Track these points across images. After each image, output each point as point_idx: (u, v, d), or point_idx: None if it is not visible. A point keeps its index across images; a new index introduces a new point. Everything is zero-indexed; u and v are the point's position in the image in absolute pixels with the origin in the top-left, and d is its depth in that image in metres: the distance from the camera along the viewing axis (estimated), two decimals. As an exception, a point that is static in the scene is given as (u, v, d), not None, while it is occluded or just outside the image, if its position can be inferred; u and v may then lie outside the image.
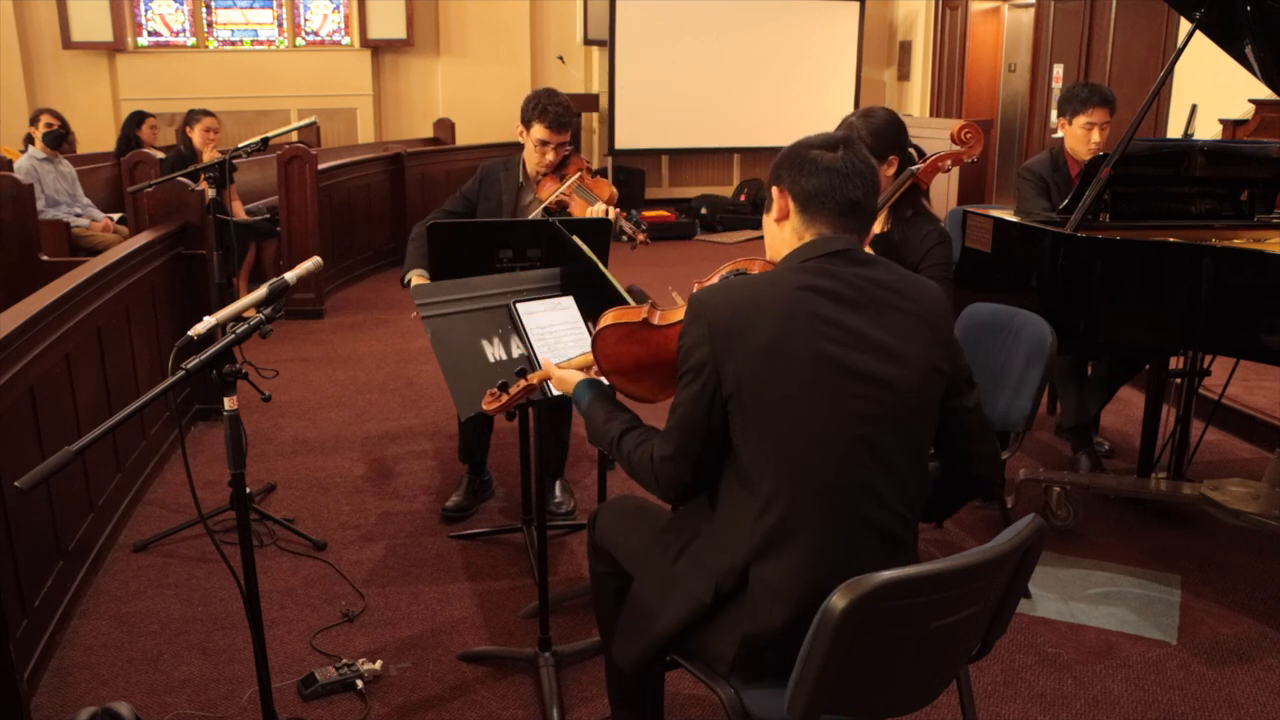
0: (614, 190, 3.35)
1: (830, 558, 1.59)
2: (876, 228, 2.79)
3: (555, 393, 2.10)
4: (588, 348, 2.19)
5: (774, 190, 1.73)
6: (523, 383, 2.05)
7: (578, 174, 3.32)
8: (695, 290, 1.82)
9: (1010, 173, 9.33)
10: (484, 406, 2.08)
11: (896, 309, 1.64)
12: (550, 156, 3.33)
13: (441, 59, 9.97)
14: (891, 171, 2.75)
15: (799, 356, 1.56)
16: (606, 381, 1.94)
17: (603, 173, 9.64)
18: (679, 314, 1.81)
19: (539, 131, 3.29)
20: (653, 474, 1.69)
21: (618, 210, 3.27)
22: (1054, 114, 8.35)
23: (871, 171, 1.70)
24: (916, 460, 1.67)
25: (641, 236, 3.34)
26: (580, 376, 1.96)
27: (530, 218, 3.32)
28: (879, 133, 2.71)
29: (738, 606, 1.64)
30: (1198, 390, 3.52)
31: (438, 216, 3.40)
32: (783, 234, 1.73)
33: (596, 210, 3.21)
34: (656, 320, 1.83)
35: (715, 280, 1.83)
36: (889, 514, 1.63)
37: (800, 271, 1.63)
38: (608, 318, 1.87)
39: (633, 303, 2.02)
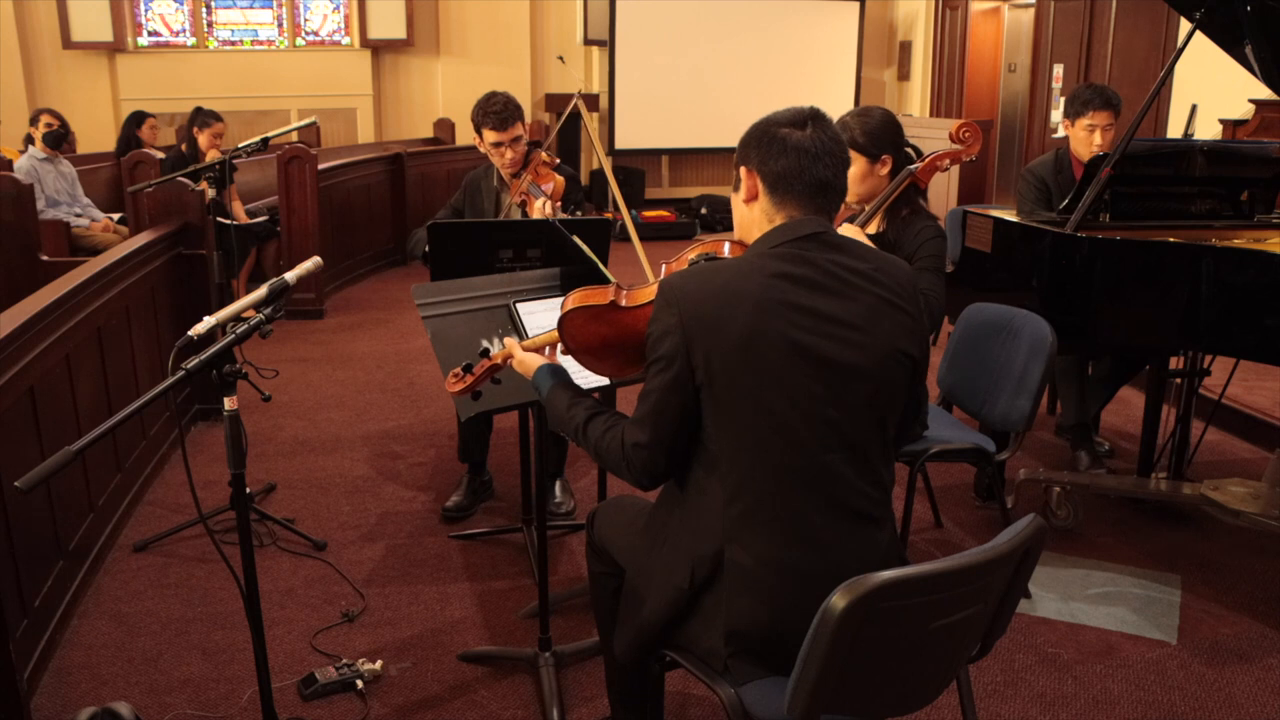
0: (560, 180, 3.33)
1: (802, 537, 1.61)
2: (872, 228, 2.79)
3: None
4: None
5: (742, 170, 1.70)
6: (486, 362, 2.04)
7: (530, 170, 3.33)
8: (664, 274, 1.82)
9: (1010, 173, 9.33)
10: (448, 389, 2.06)
11: (868, 293, 1.64)
12: (510, 155, 3.35)
13: (441, 59, 9.97)
14: (885, 171, 2.75)
15: (772, 347, 1.57)
16: (571, 359, 1.94)
17: (602, 174, 9.64)
18: (646, 295, 1.80)
19: (489, 135, 3.34)
20: (624, 459, 1.68)
21: (556, 204, 3.25)
22: (1055, 114, 8.35)
23: (840, 147, 1.67)
24: (883, 440, 1.68)
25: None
26: (540, 361, 1.94)
27: (502, 219, 3.34)
28: (872, 132, 2.72)
29: (716, 592, 1.64)
30: (1198, 390, 3.52)
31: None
32: (752, 214, 1.71)
33: (539, 207, 3.20)
34: (624, 302, 1.82)
35: (685, 263, 1.81)
36: (857, 493, 1.64)
37: (772, 258, 1.62)
38: (573, 300, 1.85)
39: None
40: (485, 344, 2.09)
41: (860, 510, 1.65)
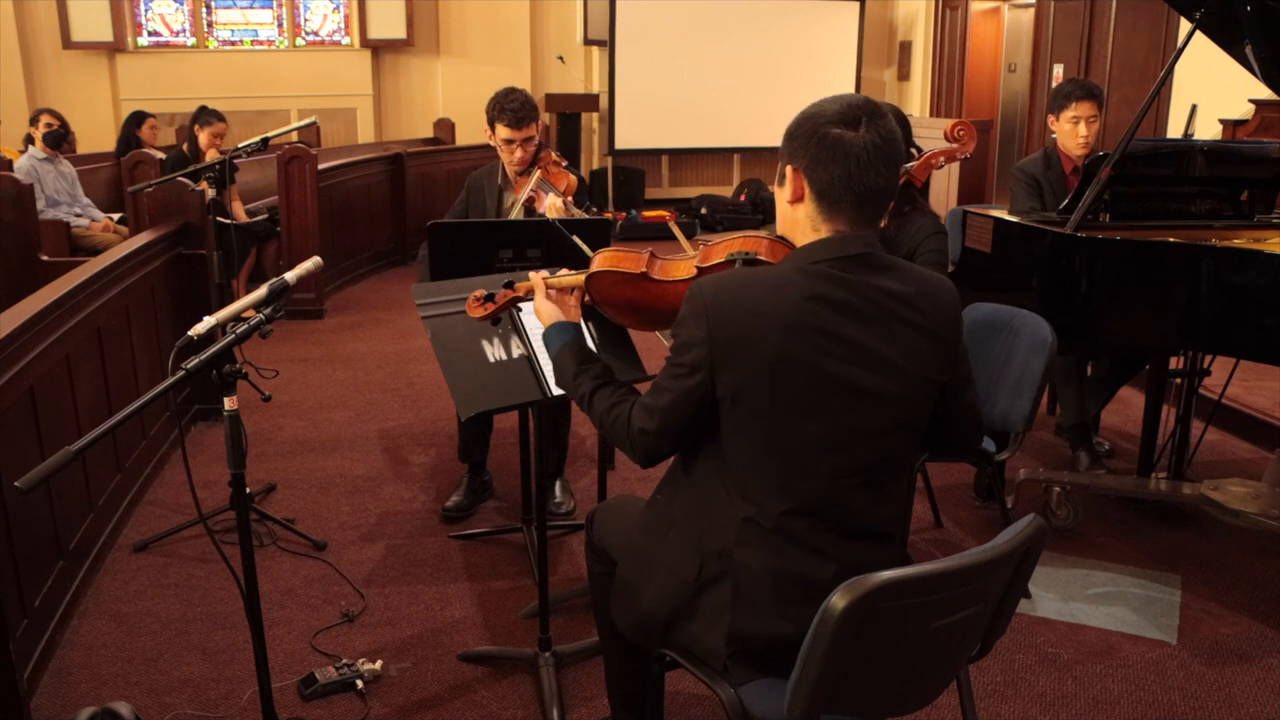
0: (573, 180, 3.34)
1: (812, 551, 1.60)
2: None
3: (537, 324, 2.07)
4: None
5: (788, 169, 1.61)
6: (508, 292, 2.03)
7: (542, 168, 3.33)
8: (700, 257, 1.80)
9: (1010, 173, 9.33)
10: (469, 312, 2.04)
11: (906, 323, 1.60)
12: (519, 154, 3.34)
13: (441, 59, 9.97)
14: None
15: (799, 373, 1.54)
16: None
17: (602, 174, 9.66)
18: (680, 271, 1.80)
19: (502, 131, 3.32)
20: (628, 439, 1.67)
21: (569, 200, 3.26)
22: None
23: (893, 146, 1.56)
24: (902, 463, 1.68)
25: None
26: (558, 316, 1.91)
27: (508, 219, 3.34)
28: None
29: (720, 592, 1.64)
30: (1198, 390, 3.52)
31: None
32: (796, 215, 1.64)
33: (553, 203, 3.21)
34: (656, 274, 1.81)
35: (722, 257, 1.78)
36: (871, 515, 1.64)
37: (812, 276, 1.56)
38: (605, 260, 1.84)
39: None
40: (510, 279, 2.07)
41: (872, 530, 1.64)
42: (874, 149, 1.54)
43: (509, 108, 3.28)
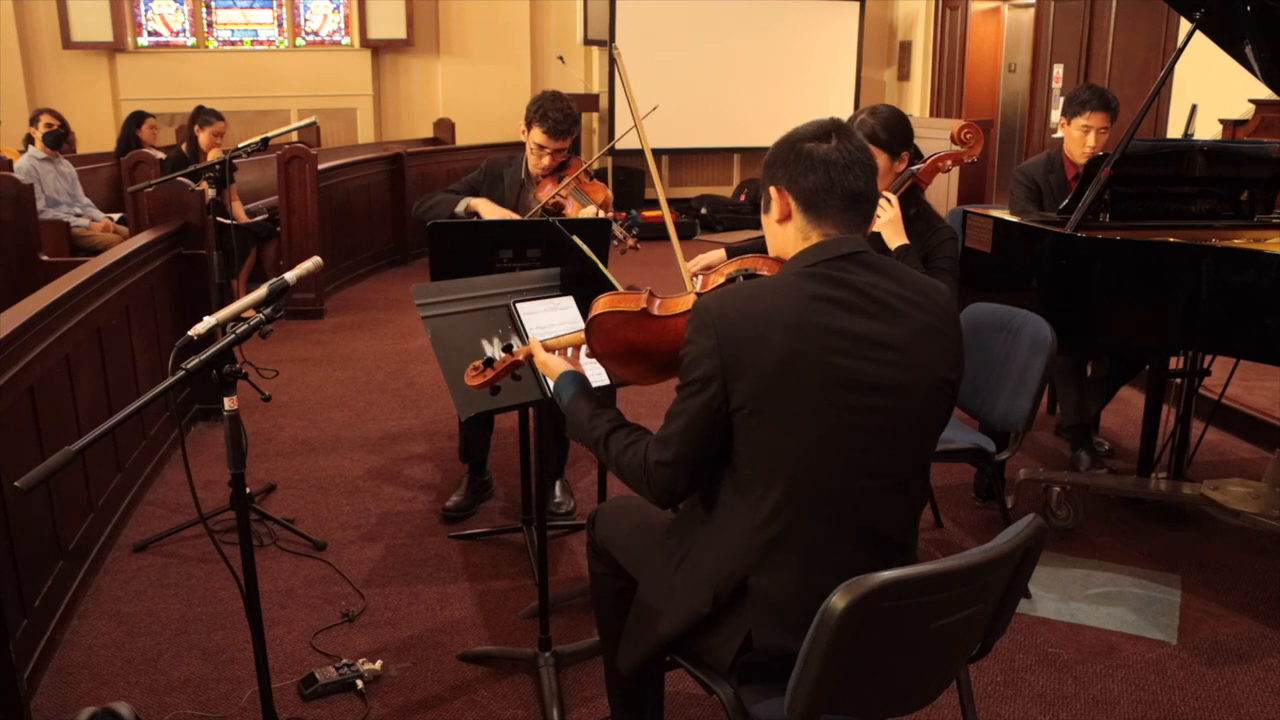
0: (609, 194, 3.35)
1: (831, 568, 1.58)
2: (877, 228, 2.80)
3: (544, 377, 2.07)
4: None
5: (771, 191, 1.66)
6: (508, 358, 2.01)
7: (574, 176, 3.33)
8: (700, 286, 1.80)
9: (1010, 173, 9.33)
10: (468, 381, 2.03)
11: (909, 317, 1.60)
12: (546, 161, 3.33)
13: (441, 59, 9.97)
14: (902, 168, 2.77)
15: (810, 372, 1.53)
16: (595, 362, 1.92)
17: (602, 174, 9.66)
18: (680, 305, 1.79)
19: (537, 135, 3.30)
20: (645, 476, 1.65)
21: (610, 214, 3.28)
22: (1055, 114, 8.36)
23: (867, 155, 1.63)
24: (921, 469, 1.67)
25: (631, 241, 3.34)
26: (565, 366, 1.92)
27: (528, 218, 3.34)
28: (892, 129, 2.74)
29: (737, 615, 1.63)
30: (1198, 390, 3.52)
31: (444, 192, 3.43)
32: (786, 233, 1.67)
33: (589, 213, 3.21)
34: (656, 310, 1.79)
35: (721, 279, 1.78)
36: (889, 520, 1.63)
37: (809, 278, 1.58)
38: (604, 303, 1.83)
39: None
40: (509, 341, 2.07)
41: (890, 537, 1.64)
42: (848, 154, 1.61)
43: (552, 115, 3.25)
